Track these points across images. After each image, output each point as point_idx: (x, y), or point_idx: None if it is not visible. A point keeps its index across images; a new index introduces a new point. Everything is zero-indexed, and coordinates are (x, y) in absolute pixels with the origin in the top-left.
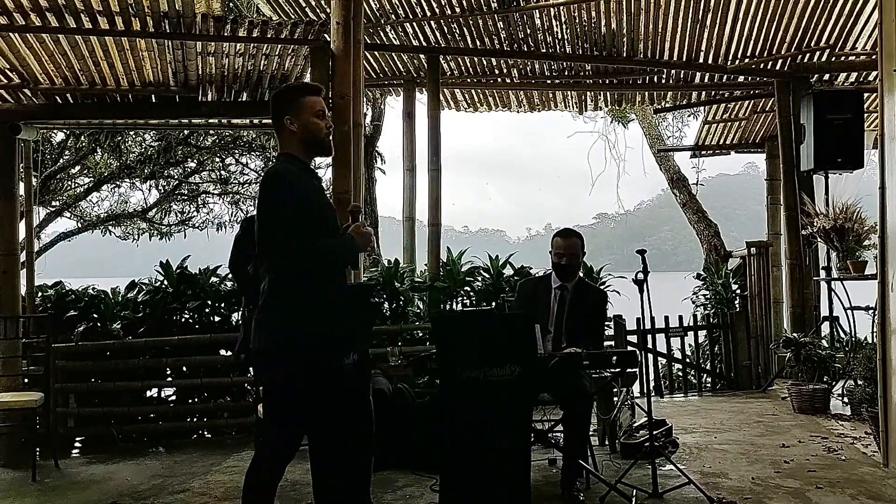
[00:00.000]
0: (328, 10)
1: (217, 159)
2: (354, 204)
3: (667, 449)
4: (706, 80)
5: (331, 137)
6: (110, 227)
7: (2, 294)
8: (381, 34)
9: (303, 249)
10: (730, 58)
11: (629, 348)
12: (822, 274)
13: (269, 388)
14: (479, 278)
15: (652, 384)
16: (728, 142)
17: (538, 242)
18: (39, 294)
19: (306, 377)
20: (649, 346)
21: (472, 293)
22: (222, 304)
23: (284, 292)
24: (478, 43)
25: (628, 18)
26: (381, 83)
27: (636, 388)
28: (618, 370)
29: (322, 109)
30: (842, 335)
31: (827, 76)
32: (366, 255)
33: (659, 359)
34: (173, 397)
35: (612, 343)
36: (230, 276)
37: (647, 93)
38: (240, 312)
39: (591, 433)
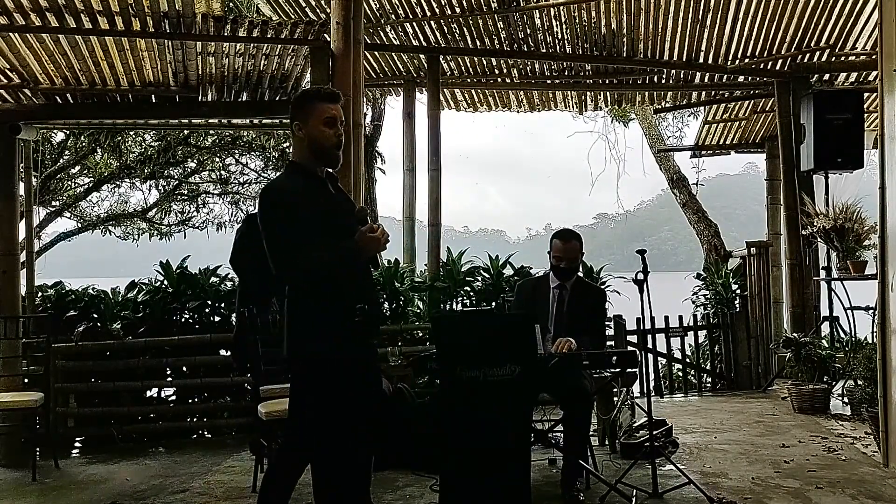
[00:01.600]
0: (328, 10)
1: (217, 159)
2: (361, 208)
3: (667, 449)
4: (706, 80)
5: (340, 149)
6: (110, 227)
7: (2, 294)
8: (381, 34)
9: (293, 267)
10: (730, 58)
11: (629, 348)
12: (822, 274)
13: (304, 391)
14: (479, 278)
15: (652, 384)
16: (728, 142)
17: (538, 242)
18: (39, 294)
19: (321, 386)
20: (649, 346)
21: (472, 293)
22: (222, 304)
23: (301, 301)
24: (478, 43)
25: (628, 18)
26: (381, 83)
27: (636, 388)
28: (618, 370)
29: (333, 117)
30: (842, 335)
31: (827, 76)
32: None
33: (659, 359)
34: (173, 397)
35: (612, 343)
36: (230, 274)
37: (647, 93)
38: (235, 310)
39: (591, 433)
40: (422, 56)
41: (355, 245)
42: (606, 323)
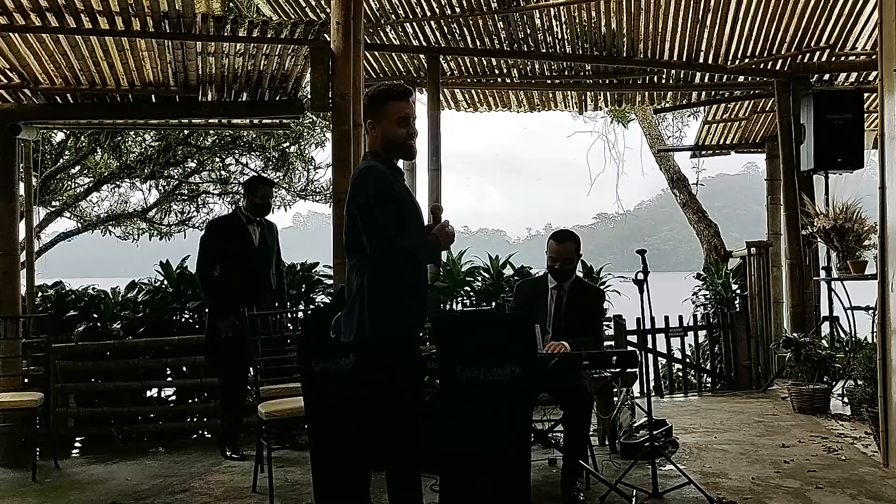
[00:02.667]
0: (328, 10)
1: (217, 159)
2: (436, 204)
3: (667, 449)
4: (706, 80)
5: (413, 141)
6: (110, 227)
7: (2, 294)
8: (381, 34)
9: (391, 245)
10: (730, 58)
11: (629, 348)
12: (822, 274)
13: (375, 374)
14: (479, 278)
15: (652, 384)
16: (728, 142)
17: (538, 242)
18: (39, 294)
19: (396, 367)
20: (649, 346)
21: (472, 293)
22: None
23: (375, 286)
24: (478, 43)
25: (628, 18)
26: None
27: (636, 388)
28: (618, 370)
29: (405, 115)
30: (842, 335)
31: (827, 76)
32: None
33: (659, 359)
34: (173, 397)
35: (612, 343)
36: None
37: (647, 93)
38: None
39: (591, 433)
40: (422, 56)
41: (435, 238)
42: (606, 323)
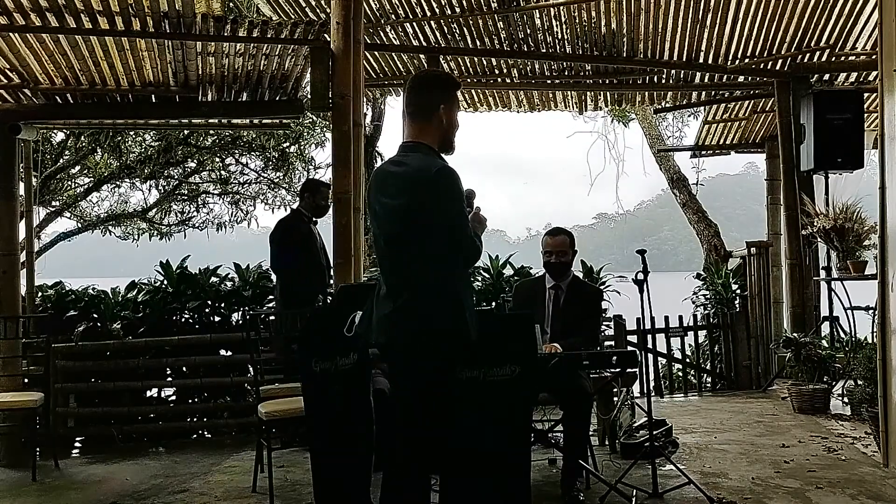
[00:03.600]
0: (328, 10)
1: (217, 159)
2: (470, 189)
3: (667, 449)
4: (706, 80)
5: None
6: (110, 227)
7: (2, 294)
8: (381, 34)
9: (478, 244)
10: (730, 58)
11: (629, 348)
12: (822, 274)
13: (412, 381)
14: (479, 278)
15: (652, 384)
16: (728, 142)
17: (538, 242)
18: (39, 294)
19: (447, 370)
20: (649, 346)
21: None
22: (222, 304)
23: (452, 284)
24: (478, 43)
25: (628, 18)
26: (381, 83)
27: (636, 388)
28: (618, 370)
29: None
30: (842, 335)
31: (827, 76)
32: (366, 255)
33: (659, 359)
34: (173, 397)
35: (613, 343)
36: (231, 273)
37: (647, 93)
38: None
39: (591, 433)
40: (422, 56)
41: (474, 227)
42: (606, 323)
